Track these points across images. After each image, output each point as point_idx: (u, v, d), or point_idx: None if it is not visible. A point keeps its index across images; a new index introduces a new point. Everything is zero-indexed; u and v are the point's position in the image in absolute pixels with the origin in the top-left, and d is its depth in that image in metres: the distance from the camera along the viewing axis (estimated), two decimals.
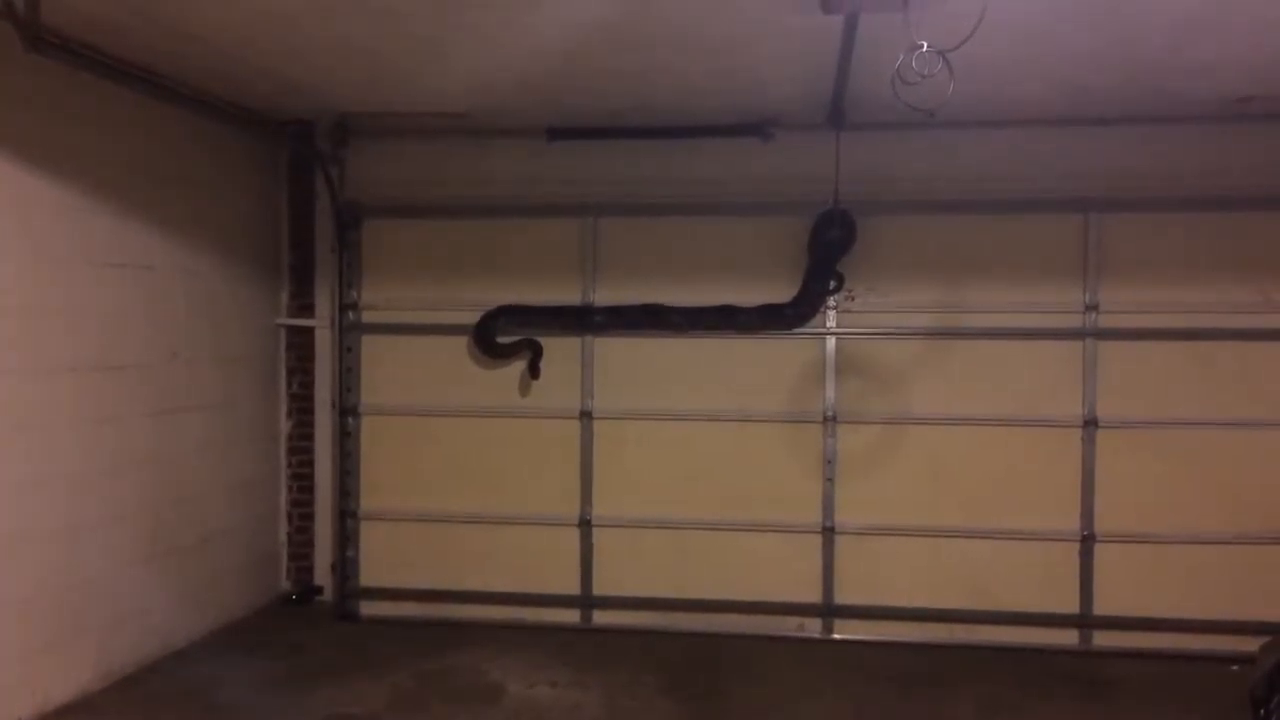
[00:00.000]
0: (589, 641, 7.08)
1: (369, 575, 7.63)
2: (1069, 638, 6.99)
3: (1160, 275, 6.90)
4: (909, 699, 6.06)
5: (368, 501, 7.64)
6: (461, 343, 7.48)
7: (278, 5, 4.84)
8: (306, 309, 7.81)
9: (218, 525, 7.05)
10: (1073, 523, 6.96)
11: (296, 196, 7.79)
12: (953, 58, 4.17)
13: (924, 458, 7.11)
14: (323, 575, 7.83)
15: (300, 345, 7.84)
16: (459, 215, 7.50)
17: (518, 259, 7.48)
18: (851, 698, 6.05)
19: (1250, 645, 6.08)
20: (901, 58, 4.24)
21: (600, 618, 7.39)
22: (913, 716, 5.87)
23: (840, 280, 7.01)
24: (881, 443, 7.16)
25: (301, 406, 7.85)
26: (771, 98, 6.49)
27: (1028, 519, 6.99)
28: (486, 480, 7.50)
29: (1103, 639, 6.95)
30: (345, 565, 7.60)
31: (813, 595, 7.20)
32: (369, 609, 7.56)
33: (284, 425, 7.86)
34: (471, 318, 7.36)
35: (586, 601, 7.41)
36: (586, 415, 7.40)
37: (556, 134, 7.26)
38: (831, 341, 7.16)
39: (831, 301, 7.11)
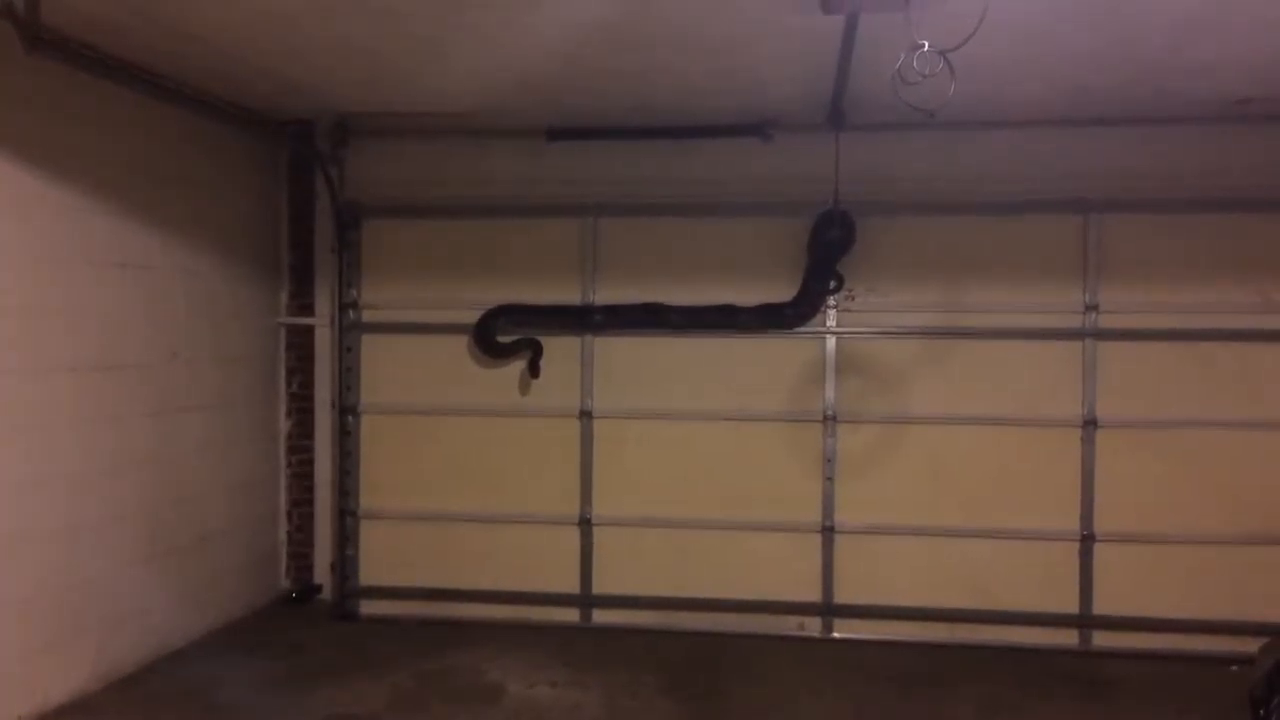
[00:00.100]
0: (589, 641, 7.08)
1: (369, 574, 7.63)
2: (1069, 638, 7.00)
3: (1160, 275, 6.90)
4: (909, 699, 6.06)
5: (367, 500, 7.64)
6: (461, 342, 7.48)
7: (278, 5, 4.84)
8: (306, 308, 7.81)
9: (217, 524, 7.05)
10: (1072, 523, 6.97)
11: (296, 196, 7.79)
12: (953, 58, 4.16)
13: (924, 457, 7.11)
14: (322, 574, 7.83)
15: (300, 345, 7.84)
16: (459, 215, 7.50)
17: (518, 259, 7.48)
18: (851, 697, 6.05)
19: (1249, 646, 6.08)
20: (902, 57, 4.23)
21: (600, 617, 7.40)
22: (913, 716, 5.87)
23: (840, 280, 7.01)
24: (881, 442, 7.16)
25: (301, 406, 7.85)
26: (771, 98, 6.49)
27: (1027, 519, 7.00)
28: (486, 479, 7.51)
29: (1102, 639, 6.96)
30: (345, 564, 7.60)
31: (812, 594, 7.20)
32: (368, 608, 7.56)
33: (284, 424, 7.86)
34: (471, 317, 7.36)
35: (586, 601, 7.42)
36: (586, 415, 7.40)
37: (556, 134, 7.26)
38: (831, 341, 7.17)
39: (831, 301, 7.11)
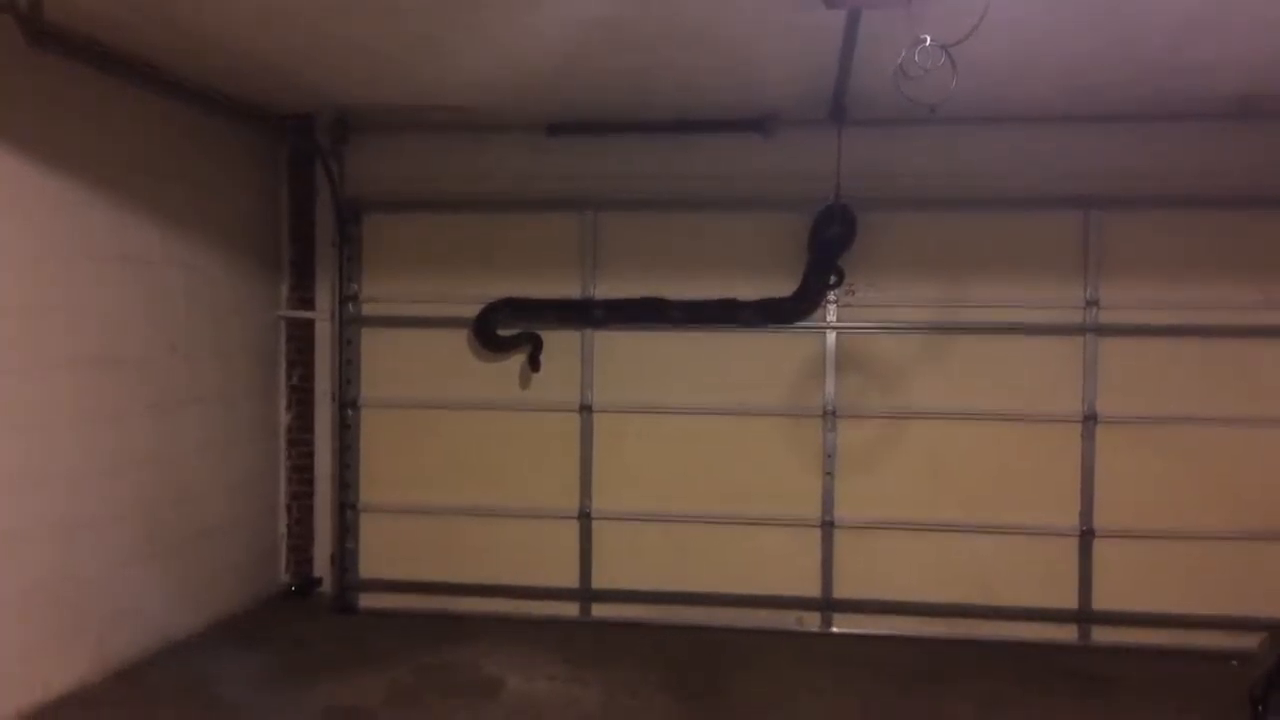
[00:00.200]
0: (588, 635, 7.09)
1: (368, 568, 7.64)
2: (1068, 633, 7.01)
3: (1160, 272, 6.90)
4: (909, 695, 6.06)
5: (367, 494, 7.65)
6: (462, 336, 7.48)
7: (278, 1, 4.83)
8: (307, 302, 7.81)
9: (217, 518, 7.06)
10: (1072, 518, 6.97)
11: (297, 191, 7.78)
12: (954, 54, 4.17)
13: (924, 453, 7.12)
14: (322, 568, 7.84)
15: (300, 338, 7.83)
16: (460, 209, 7.50)
17: (518, 253, 7.48)
18: (852, 693, 6.05)
19: (1249, 641, 6.12)
20: (904, 52, 4.24)
21: (599, 611, 7.41)
22: (914, 712, 5.87)
23: (841, 276, 7.01)
24: (881, 438, 7.17)
25: (301, 399, 7.85)
26: (773, 94, 6.49)
27: (1027, 514, 7.00)
28: (486, 473, 7.51)
29: (1102, 634, 6.97)
30: (344, 558, 7.62)
31: (812, 589, 7.21)
32: (368, 601, 7.58)
33: (284, 418, 7.86)
34: (472, 311, 7.36)
35: (586, 595, 7.43)
36: (586, 409, 7.41)
37: (557, 129, 7.25)
38: (832, 336, 7.17)
39: (832, 297, 7.11)
